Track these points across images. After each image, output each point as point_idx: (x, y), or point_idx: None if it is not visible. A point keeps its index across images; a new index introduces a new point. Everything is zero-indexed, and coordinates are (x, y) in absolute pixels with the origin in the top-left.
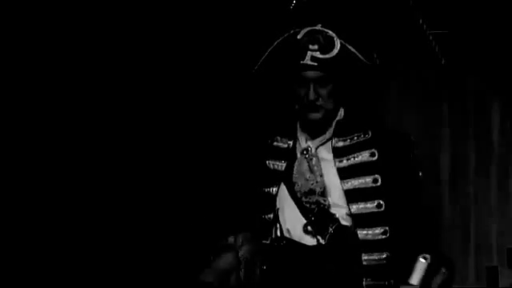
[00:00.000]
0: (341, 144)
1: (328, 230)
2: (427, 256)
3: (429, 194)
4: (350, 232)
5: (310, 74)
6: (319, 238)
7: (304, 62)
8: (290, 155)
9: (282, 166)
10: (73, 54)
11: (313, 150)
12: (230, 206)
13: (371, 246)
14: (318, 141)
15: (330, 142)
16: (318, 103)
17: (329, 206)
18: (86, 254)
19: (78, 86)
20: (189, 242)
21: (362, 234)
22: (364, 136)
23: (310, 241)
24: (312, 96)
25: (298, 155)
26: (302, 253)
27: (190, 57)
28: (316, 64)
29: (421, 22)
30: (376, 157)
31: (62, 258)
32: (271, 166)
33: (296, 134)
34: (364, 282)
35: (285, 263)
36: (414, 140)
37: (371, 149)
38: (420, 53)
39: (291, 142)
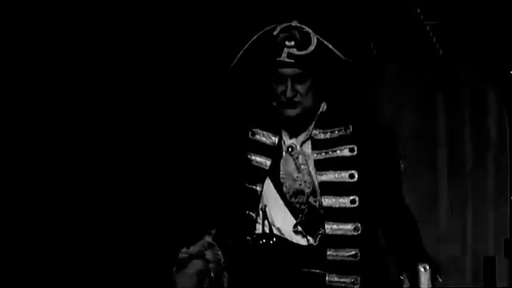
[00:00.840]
0: (322, 136)
1: (319, 230)
2: (426, 265)
3: (426, 190)
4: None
5: (287, 70)
6: (310, 238)
7: (281, 58)
8: (274, 152)
9: (266, 162)
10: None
11: (298, 147)
12: (208, 201)
13: (339, 241)
14: (302, 137)
15: (310, 139)
16: (296, 99)
17: (320, 205)
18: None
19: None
20: (166, 239)
21: (330, 228)
22: (345, 131)
23: (300, 240)
24: (289, 93)
25: (284, 153)
26: (293, 251)
27: (166, 50)
28: (293, 61)
29: (418, 11)
30: (355, 152)
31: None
32: (254, 162)
33: (280, 130)
34: (327, 278)
35: (275, 261)
36: (396, 134)
37: (351, 144)
38: (416, 46)
39: (276, 139)
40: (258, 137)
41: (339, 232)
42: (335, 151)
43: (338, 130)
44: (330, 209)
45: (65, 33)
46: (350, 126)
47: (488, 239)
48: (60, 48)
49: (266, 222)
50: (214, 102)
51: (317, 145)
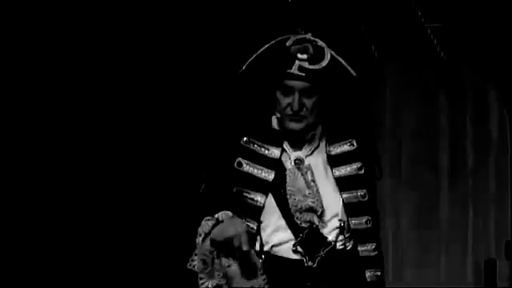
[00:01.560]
0: (334, 152)
1: (319, 252)
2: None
3: (427, 190)
4: (343, 256)
5: (296, 83)
6: (308, 260)
7: (291, 70)
8: (277, 165)
9: (269, 175)
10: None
11: (305, 162)
12: (206, 210)
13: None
14: (306, 151)
15: (318, 151)
16: (302, 113)
17: (322, 227)
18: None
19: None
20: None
21: (360, 250)
22: (350, 146)
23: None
24: (296, 106)
25: (289, 166)
26: (289, 269)
27: (160, 56)
28: (303, 74)
29: (419, 14)
30: (363, 170)
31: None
32: (256, 173)
33: (282, 142)
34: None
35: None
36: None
37: (358, 161)
38: (418, 47)
39: (278, 151)
40: (255, 147)
41: (365, 253)
42: (347, 168)
43: (348, 145)
44: (356, 231)
45: (62, 34)
46: (354, 142)
47: (489, 241)
48: (58, 48)
49: (258, 237)
50: (215, 106)
51: (333, 161)
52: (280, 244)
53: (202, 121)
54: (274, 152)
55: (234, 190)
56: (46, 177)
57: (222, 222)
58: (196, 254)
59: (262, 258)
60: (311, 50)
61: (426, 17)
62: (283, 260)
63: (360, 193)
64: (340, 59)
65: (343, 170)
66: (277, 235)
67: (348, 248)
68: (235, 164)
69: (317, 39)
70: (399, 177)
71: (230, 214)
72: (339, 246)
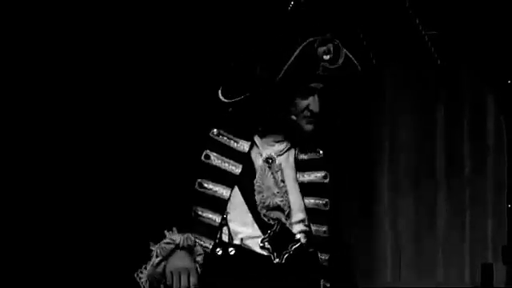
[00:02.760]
0: (303, 157)
1: (287, 249)
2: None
3: (425, 197)
4: (309, 255)
5: (317, 85)
6: (276, 257)
7: (319, 72)
8: (246, 159)
9: (236, 168)
10: None
11: (277, 161)
12: (165, 203)
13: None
14: (278, 150)
15: (288, 152)
16: (316, 115)
17: (290, 225)
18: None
19: None
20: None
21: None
22: (317, 154)
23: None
24: (316, 108)
25: (260, 162)
26: (259, 264)
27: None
28: (326, 74)
29: (417, 22)
30: (327, 179)
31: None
32: (223, 166)
33: (252, 136)
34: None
35: (234, 272)
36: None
37: (323, 170)
38: (415, 53)
39: (247, 145)
40: (222, 138)
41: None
42: (313, 174)
43: (315, 153)
44: (316, 237)
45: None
46: (321, 151)
47: (486, 246)
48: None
49: (224, 229)
50: (185, 99)
51: (301, 166)
52: (248, 238)
53: (171, 113)
54: (244, 145)
55: (197, 182)
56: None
57: (183, 248)
58: (146, 269)
59: (230, 251)
60: (332, 49)
61: (424, 24)
62: (252, 254)
63: (321, 201)
64: (352, 57)
65: (307, 176)
66: (244, 230)
67: (311, 251)
68: (203, 156)
69: (336, 39)
70: (397, 180)
71: (192, 238)
72: (306, 247)
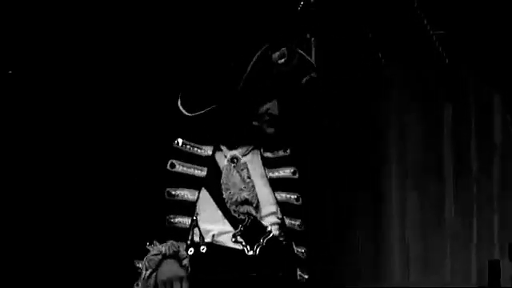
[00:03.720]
0: (269, 155)
1: (259, 241)
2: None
3: (432, 194)
4: (282, 246)
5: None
6: (249, 249)
7: (275, 75)
8: (210, 162)
9: (201, 172)
10: None
11: (241, 160)
12: (139, 218)
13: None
14: (242, 150)
15: (253, 152)
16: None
17: (260, 218)
18: None
19: None
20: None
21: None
22: (285, 152)
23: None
24: (276, 111)
25: (225, 162)
26: (234, 258)
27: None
28: (284, 77)
29: (425, 22)
30: (297, 175)
31: None
32: (188, 172)
33: (215, 141)
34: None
35: (207, 269)
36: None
37: (292, 166)
38: (422, 53)
39: (210, 149)
40: (185, 147)
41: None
42: (282, 171)
43: (282, 151)
44: (290, 230)
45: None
46: (288, 150)
47: (493, 243)
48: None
49: (195, 230)
50: (150, 109)
51: (268, 163)
52: (220, 234)
53: (134, 124)
54: (207, 150)
55: (166, 191)
56: None
57: (170, 256)
58: (138, 285)
59: (202, 250)
60: (286, 52)
61: (431, 24)
62: (225, 249)
63: (292, 196)
64: (306, 56)
65: (276, 173)
66: (215, 227)
67: (285, 243)
68: (168, 165)
69: (290, 42)
70: (405, 178)
71: (175, 244)
72: (280, 239)
